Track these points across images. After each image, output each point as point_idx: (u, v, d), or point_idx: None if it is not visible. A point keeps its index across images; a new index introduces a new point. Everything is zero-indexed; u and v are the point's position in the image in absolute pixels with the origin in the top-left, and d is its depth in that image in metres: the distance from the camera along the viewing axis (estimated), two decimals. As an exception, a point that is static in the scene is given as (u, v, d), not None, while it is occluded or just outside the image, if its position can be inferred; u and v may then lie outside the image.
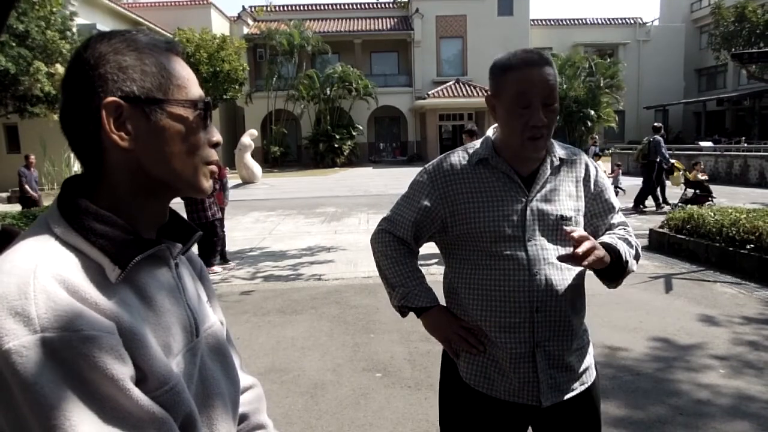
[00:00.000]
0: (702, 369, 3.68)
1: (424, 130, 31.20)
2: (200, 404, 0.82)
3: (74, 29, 16.39)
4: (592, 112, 29.80)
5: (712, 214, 7.13)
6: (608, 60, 32.56)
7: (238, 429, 0.96)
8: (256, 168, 21.01)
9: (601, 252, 1.42)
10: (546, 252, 1.49)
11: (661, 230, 7.79)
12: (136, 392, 0.67)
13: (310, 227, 10.94)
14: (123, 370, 0.66)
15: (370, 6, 35.06)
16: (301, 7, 34.89)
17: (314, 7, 35.01)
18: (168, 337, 0.77)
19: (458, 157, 1.60)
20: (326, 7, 35.08)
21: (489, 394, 1.55)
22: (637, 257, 1.59)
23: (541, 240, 1.50)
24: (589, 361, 1.61)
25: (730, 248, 6.38)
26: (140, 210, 0.81)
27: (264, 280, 6.84)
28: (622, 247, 1.52)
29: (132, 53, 0.78)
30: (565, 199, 1.55)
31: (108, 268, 0.72)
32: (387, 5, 35.17)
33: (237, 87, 26.87)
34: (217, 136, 0.85)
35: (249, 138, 20.24)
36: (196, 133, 0.81)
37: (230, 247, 8.92)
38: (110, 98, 0.75)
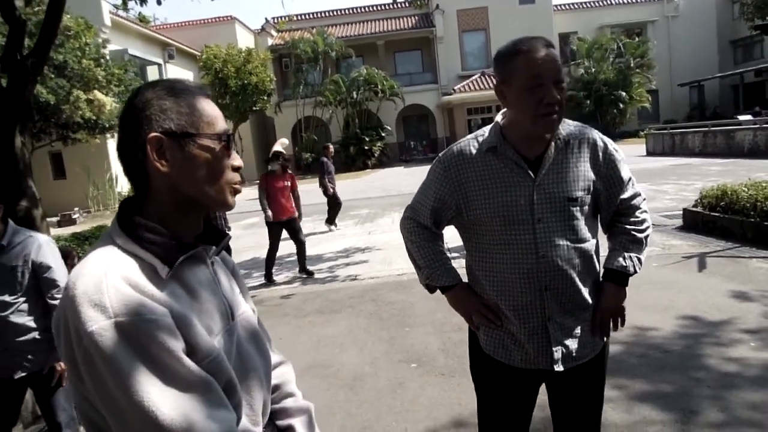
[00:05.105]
0: (732, 343, 3.72)
1: (453, 126, 31.18)
2: (239, 376, 1.03)
3: (107, 56, 17.12)
4: (624, 94, 29.25)
5: (746, 189, 7.04)
6: (637, 39, 31.89)
7: (272, 396, 1.16)
8: (289, 176, 21.34)
9: (616, 311, 1.75)
10: (554, 234, 1.61)
11: (694, 209, 7.72)
12: (188, 361, 0.88)
13: (345, 230, 11.19)
14: (177, 345, 0.87)
15: (390, 6, 35.20)
16: (323, 14, 35.34)
17: (335, 13, 35.40)
18: (209, 320, 0.98)
19: (469, 145, 1.73)
20: (347, 12, 35.41)
21: (506, 363, 1.72)
22: (646, 239, 1.77)
23: (549, 222, 1.61)
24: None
25: (766, 223, 6.30)
26: (180, 221, 1.02)
27: (302, 283, 7.11)
28: (630, 262, 1.72)
29: (171, 98, 0.99)
30: (572, 179, 1.63)
31: (159, 268, 0.93)
32: (406, 4, 35.25)
33: (265, 98, 27.44)
34: (238, 161, 1.06)
35: (280, 146, 20.57)
36: (221, 160, 1.02)
37: (269, 254, 9.23)
38: (153, 133, 0.96)
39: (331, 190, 11.08)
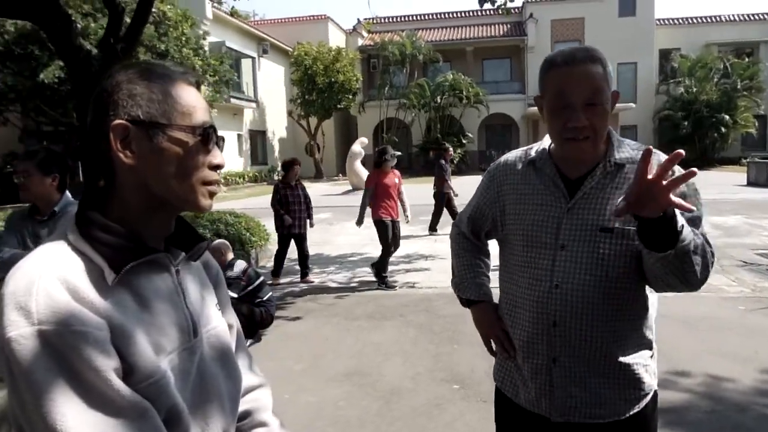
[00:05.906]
0: (823, 409, 3.25)
1: (536, 138, 29.91)
2: (197, 399, 0.91)
3: (206, 47, 17.95)
4: (727, 117, 27.20)
5: None
6: (747, 60, 29.57)
7: (239, 425, 1.03)
8: (365, 175, 21.52)
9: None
10: (576, 264, 1.40)
11: (795, 250, 6.96)
12: (118, 383, 0.77)
13: (411, 234, 11.03)
14: (107, 363, 0.76)
15: (483, 13, 34.70)
16: (415, 17, 35.35)
17: (426, 17, 35.32)
18: (160, 336, 0.86)
19: (516, 157, 1.61)
20: (438, 16, 35.25)
21: (513, 399, 1.58)
22: (703, 251, 1.27)
23: (574, 250, 1.41)
24: (633, 393, 1.45)
25: None
26: (146, 221, 0.91)
27: (359, 285, 7.03)
28: (680, 217, 1.20)
29: (143, 82, 0.88)
30: (613, 208, 1.38)
31: (106, 272, 0.82)
32: (497, 11, 34.59)
33: (350, 97, 27.90)
34: (218, 159, 0.93)
35: (359, 146, 20.85)
36: (194, 156, 0.90)
37: (332, 251, 9.28)
38: (118, 120, 0.86)
39: (444, 192, 10.74)
